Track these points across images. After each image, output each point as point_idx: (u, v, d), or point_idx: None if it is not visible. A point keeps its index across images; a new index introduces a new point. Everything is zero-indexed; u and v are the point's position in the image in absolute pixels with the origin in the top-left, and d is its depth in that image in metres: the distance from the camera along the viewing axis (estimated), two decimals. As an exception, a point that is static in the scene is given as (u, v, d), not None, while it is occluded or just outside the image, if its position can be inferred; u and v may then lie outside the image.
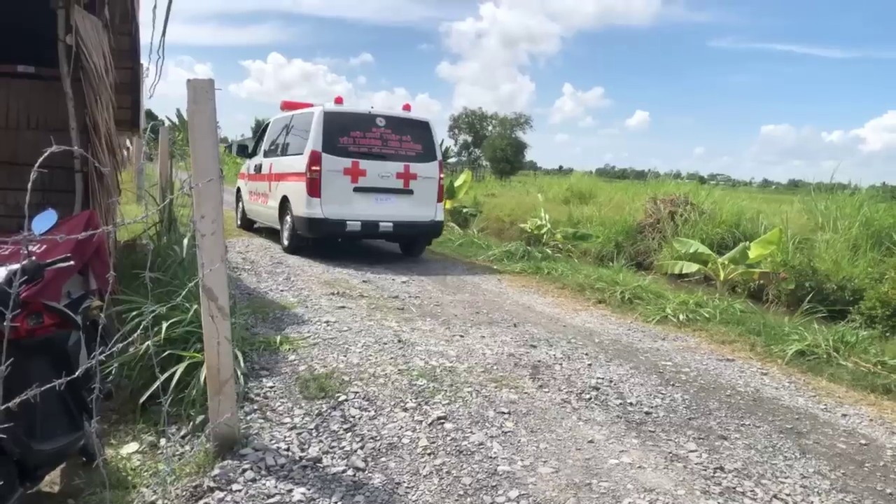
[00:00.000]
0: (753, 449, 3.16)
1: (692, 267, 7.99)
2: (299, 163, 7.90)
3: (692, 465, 2.93)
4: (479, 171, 37.10)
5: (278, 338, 4.24)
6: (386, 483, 2.58)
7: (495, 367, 4.09)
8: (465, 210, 13.42)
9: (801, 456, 3.13)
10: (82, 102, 4.26)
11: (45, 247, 2.65)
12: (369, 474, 2.64)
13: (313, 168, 7.61)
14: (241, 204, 10.80)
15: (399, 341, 4.47)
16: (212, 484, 2.46)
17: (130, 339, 2.36)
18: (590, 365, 4.30)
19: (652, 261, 9.60)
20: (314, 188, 7.61)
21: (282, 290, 5.93)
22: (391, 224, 7.95)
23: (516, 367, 4.13)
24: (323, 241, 8.18)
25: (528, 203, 13.54)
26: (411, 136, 8.27)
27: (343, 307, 5.42)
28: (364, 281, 6.74)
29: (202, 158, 2.45)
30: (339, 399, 3.34)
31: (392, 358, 4.08)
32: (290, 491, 2.46)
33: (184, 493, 2.43)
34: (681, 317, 5.83)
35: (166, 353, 3.22)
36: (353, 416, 3.16)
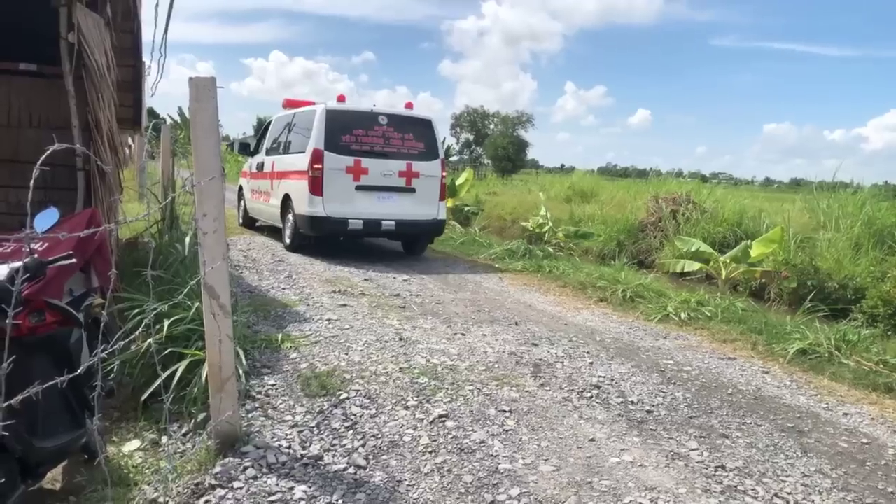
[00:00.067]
0: (755, 447, 3.16)
1: (694, 265, 7.98)
2: (301, 161, 7.90)
3: (693, 463, 2.93)
4: (480, 170, 37.07)
5: (280, 336, 4.25)
6: (387, 481, 2.58)
7: (497, 366, 4.09)
8: (466, 208, 13.41)
9: (803, 455, 3.13)
10: (84, 100, 4.26)
11: (47, 244, 2.66)
12: (370, 472, 2.64)
13: (315, 166, 7.61)
14: (242, 202, 10.81)
15: (400, 339, 4.47)
16: (213, 481, 2.47)
17: (132, 337, 2.36)
18: (591, 363, 4.30)
19: (653, 259, 9.59)
20: (316, 186, 7.61)
21: (283, 289, 5.93)
22: (393, 222, 7.95)
23: (518, 366, 4.13)
24: (325, 240, 8.18)
25: (529, 201, 13.52)
26: (413, 134, 8.26)
27: (344, 305, 5.42)
28: (365, 279, 6.74)
29: (204, 156, 2.45)
30: (341, 397, 3.34)
31: (393, 356, 4.08)
32: (292, 489, 2.47)
33: (185, 490, 2.44)
34: (682, 315, 5.82)
35: (168, 350, 3.23)
36: (355, 414, 3.16)
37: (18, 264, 2.02)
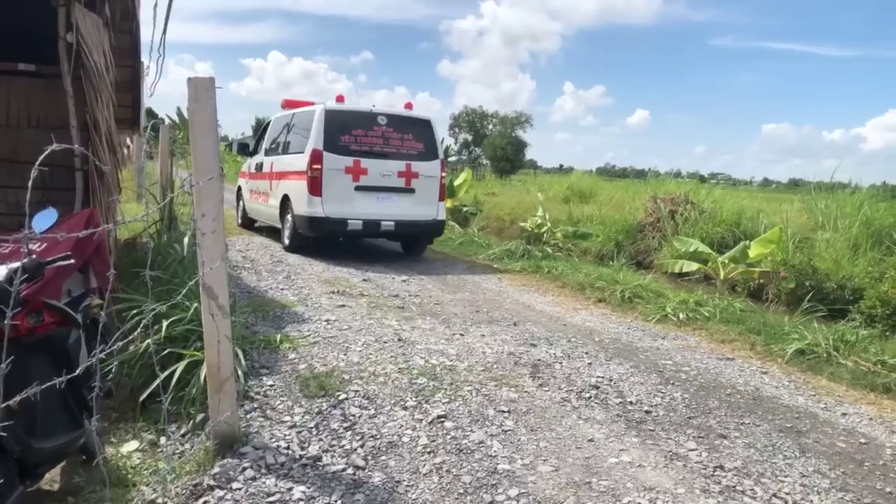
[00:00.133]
0: (753, 448, 3.16)
1: (692, 266, 7.99)
2: (300, 161, 7.89)
3: (692, 463, 2.93)
4: (479, 170, 37.11)
5: (278, 336, 4.24)
6: (386, 481, 2.58)
7: (495, 366, 4.09)
8: (465, 209, 13.42)
9: (801, 455, 3.14)
10: (83, 100, 4.26)
11: (45, 245, 2.65)
12: (369, 473, 2.64)
13: (314, 167, 7.60)
14: (241, 203, 10.80)
15: (399, 340, 4.47)
16: (212, 482, 2.47)
17: (131, 338, 2.36)
18: (590, 364, 4.30)
19: (652, 260, 9.60)
20: (315, 187, 7.60)
21: (282, 289, 5.93)
22: (393, 223, 7.94)
23: (516, 366, 4.13)
24: (323, 240, 8.18)
25: (528, 202, 13.53)
26: (413, 134, 8.26)
27: (343, 306, 5.42)
28: (364, 279, 6.74)
29: (203, 157, 2.45)
30: (340, 397, 3.34)
31: (392, 356, 4.08)
32: (290, 489, 2.47)
33: (184, 491, 2.44)
34: (681, 316, 5.83)
35: (166, 351, 3.23)
36: (353, 415, 3.16)
37: (17, 265, 2.02)
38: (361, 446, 2.86)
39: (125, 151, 9.18)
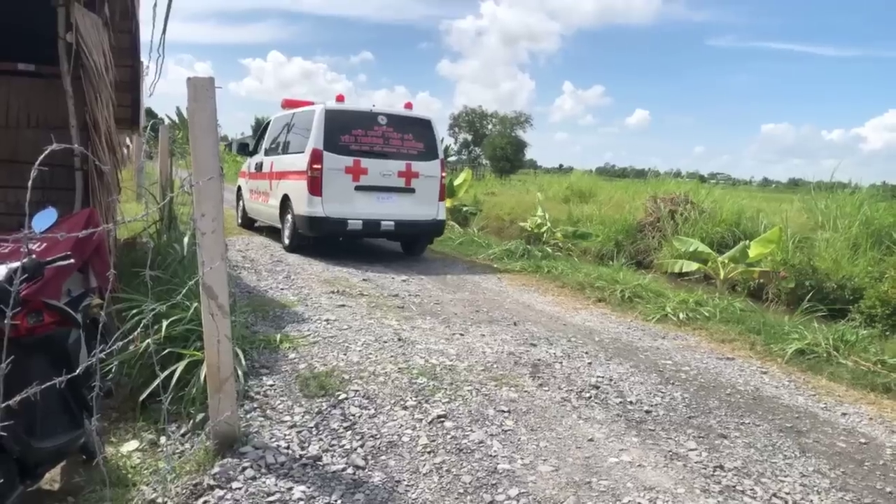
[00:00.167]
0: (753, 447, 3.16)
1: (692, 266, 7.99)
2: (300, 161, 7.89)
3: (692, 463, 2.93)
4: (479, 170, 37.10)
5: (278, 336, 4.24)
6: (386, 481, 2.58)
7: (495, 366, 4.09)
8: (465, 208, 13.42)
9: (801, 454, 3.14)
10: (82, 100, 4.26)
11: (45, 245, 2.65)
12: (369, 472, 2.64)
13: (314, 166, 7.60)
14: (241, 202, 10.80)
15: (399, 340, 4.47)
16: (212, 482, 2.47)
17: (130, 338, 2.37)
18: (590, 363, 4.30)
19: (652, 259, 9.60)
20: (315, 187, 7.60)
21: (282, 289, 5.93)
22: (393, 223, 7.94)
23: (516, 366, 4.13)
24: (323, 240, 8.18)
25: (528, 202, 13.53)
26: (413, 134, 8.26)
27: (343, 305, 5.42)
28: (364, 279, 6.74)
29: (202, 156, 2.45)
30: (339, 397, 3.34)
31: (392, 356, 4.08)
32: (290, 489, 2.47)
33: (184, 490, 2.44)
34: (681, 315, 5.83)
35: (166, 351, 3.22)
36: (353, 415, 3.16)
37: (17, 265, 2.02)
38: (361, 446, 2.86)
39: (125, 151, 9.17)
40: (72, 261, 2.36)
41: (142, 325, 2.42)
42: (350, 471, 2.64)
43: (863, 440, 3.40)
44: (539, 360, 4.29)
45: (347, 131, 7.82)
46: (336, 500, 2.42)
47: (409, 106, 8.77)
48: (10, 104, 4.52)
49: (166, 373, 3.00)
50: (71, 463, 2.61)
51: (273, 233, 9.35)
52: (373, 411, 3.22)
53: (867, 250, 7.98)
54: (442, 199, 8.51)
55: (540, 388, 3.75)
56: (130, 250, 5.43)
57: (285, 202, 8.33)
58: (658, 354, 4.72)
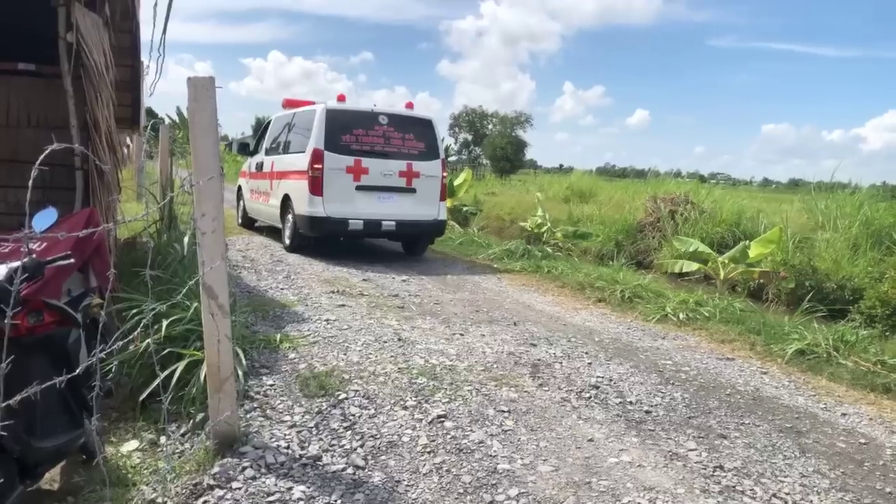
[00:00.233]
0: (753, 448, 3.16)
1: (692, 266, 7.99)
2: (301, 161, 7.89)
3: (692, 463, 2.93)
4: (479, 170, 37.11)
5: (278, 336, 4.24)
6: (386, 481, 2.58)
7: (495, 366, 4.09)
8: (465, 208, 13.42)
9: (801, 455, 3.14)
10: (83, 100, 4.26)
11: (45, 244, 2.65)
12: (369, 472, 2.64)
13: (315, 166, 7.60)
14: (241, 202, 10.80)
15: (399, 340, 4.47)
16: (212, 482, 2.47)
17: (131, 337, 2.37)
18: (590, 364, 4.30)
19: (652, 259, 9.60)
20: (316, 186, 7.60)
21: (282, 289, 5.93)
22: (394, 223, 7.93)
23: (516, 366, 4.13)
24: (323, 240, 8.18)
25: (528, 202, 13.52)
26: (414, 134, 8.26)
27: (343, 305, 5.42)
28: (364, 279, 6.74)
29: (203, 156, 2.45)
30: (339, 397, 3.34)
31: (392, 356, 4.08)
32: (290, 489, 2.47)
33: (184, 490, 2.44)
34: (681, 316, 5.83)
35: (166, 350, 3.22)
36: (353, 415, 3.16)
37: (17, 264, 2.02)
38: (361, 446, 2.86)
39: (125, 151, 9.17)
40: (72, 260, 2.36)
41: (142, 324, 2.42)
42: (350, 471, 2.64)
43: (863, 440, 3.40)
44: (539, 360, 4.29)
45: (348, 131, 7.82)
46: (336, 500, 2.42)
47: (410, 106, 8.77)
48: (10, 104, 4.52)
49: (166, 373, 3.00)
50: (71, 463, 2.61)
51: (273, 233, 9.36)
52: (373, 411, 3.22)
53: (867, 251, 7.98)
54: (443, 199, 8.50)
55: (540, 389, 3.75)
56: (130, 250, 5.43)
57: (286, 202, 8.33)
58: (658, 355, 4.72)
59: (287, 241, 8.33)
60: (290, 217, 8.22)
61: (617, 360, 4.46)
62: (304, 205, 7.75)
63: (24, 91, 4.54)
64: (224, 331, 2.55)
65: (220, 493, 2.41)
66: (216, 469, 2.54)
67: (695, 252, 8.14)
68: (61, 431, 2.25)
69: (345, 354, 4.04)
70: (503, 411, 3.34)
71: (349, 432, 2.98)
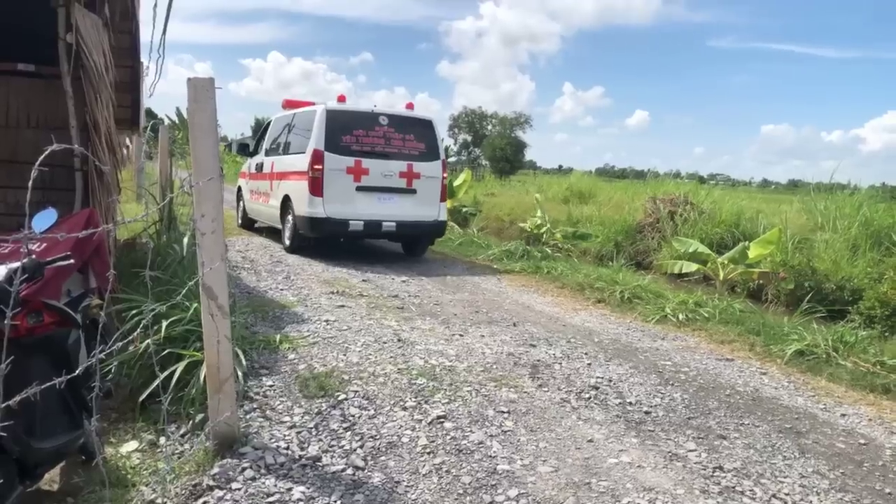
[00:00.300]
0: (752, 448, 3.16)
1: (692, 266, 7.99)
2: (301, 161, 7.89)
3: (691, 464, 2.93)
4: (478, 171, 37.10)
5: (278, 336, 4.24)
6: (385, 482, 2.58)
7: (495, 367, 4.09)
8: (464, 209, 13.42)
9: (800, 455, 3.14)
10: (82, 101, 4.26)
11: (45, 245, 2.66)
12: (369, 473, 2.64)
13: (315, 167, 7.59)
14: (241, 203, 10.79)
15: (398, 340, 4.47)
16: (211, 482, 2.47)
17: (130, 338, 2.37)
18: (589, 364, 4.30)
19: (651, 260, 9.61)
20: (316, 187, 7.60)
21: (281, 289, 5.93)
22: (394, 224, 7.93)
23: (516, 367, 4.13)
24: (323, 241, 8.18)
25: (527, 202, 13.53)
26: (414, 134, 8.25)
27: (343, 306, 5.42)
28: (364, 280, 6.74)
29: (202, 157, 2.45)
30: (339, 398, 3.34)
31: (391, 357, 4.08)
32: (290, 490, 2.47)
33: (183, 491, 2.44)
34: (680, 316, 5.83)
35: (166, 351, 3.23)
36: (353, 415, 3.16)
37: (16, 265, 2.02)
38: (361, 447, 2.86)
39: (125, 151, 9.18)
40: (72, 261, 2.36)
41: (141, 325, 2.42)
42: (350, 471, 2.64)
43: (862, 441, 3.40)
44: (538, 360, 4.30)
45: (348, 132, 7.82)
46: (335, 501, 2.42)
47: (410, 106, 8.77)
48: (10, 104, 4.52)
49: (166, 373, 3.00)
50: (70, 463, 2.61)
51: (273, 233, 9.35)
52: (372, 412, 3.22)
53: (866, 251, 7.99)
54: (443, 199, 8.50)
55: (539, 389, 3.76)
56: (130, 251, 5.43)
57: (286, 203, 8.33)
58: (657, 355, 4.72)
59: (287, 242, 8.33)
60: (290, 218, 8.22)
61: (616, 360, 4.46)
62: (304, 205, 7.75)
63: (23, 92, 4.54)
64: (224, 331, 2.55)
65: (220, 493, 2.41)
66: (216, 470, 2.54)
67: (694, 253, 8.14)
68: (61, 432, 2.25)
69: (344, 355, 4.04)
70: (503, 412, 3.34)
71: (349, 433, 2.98)
